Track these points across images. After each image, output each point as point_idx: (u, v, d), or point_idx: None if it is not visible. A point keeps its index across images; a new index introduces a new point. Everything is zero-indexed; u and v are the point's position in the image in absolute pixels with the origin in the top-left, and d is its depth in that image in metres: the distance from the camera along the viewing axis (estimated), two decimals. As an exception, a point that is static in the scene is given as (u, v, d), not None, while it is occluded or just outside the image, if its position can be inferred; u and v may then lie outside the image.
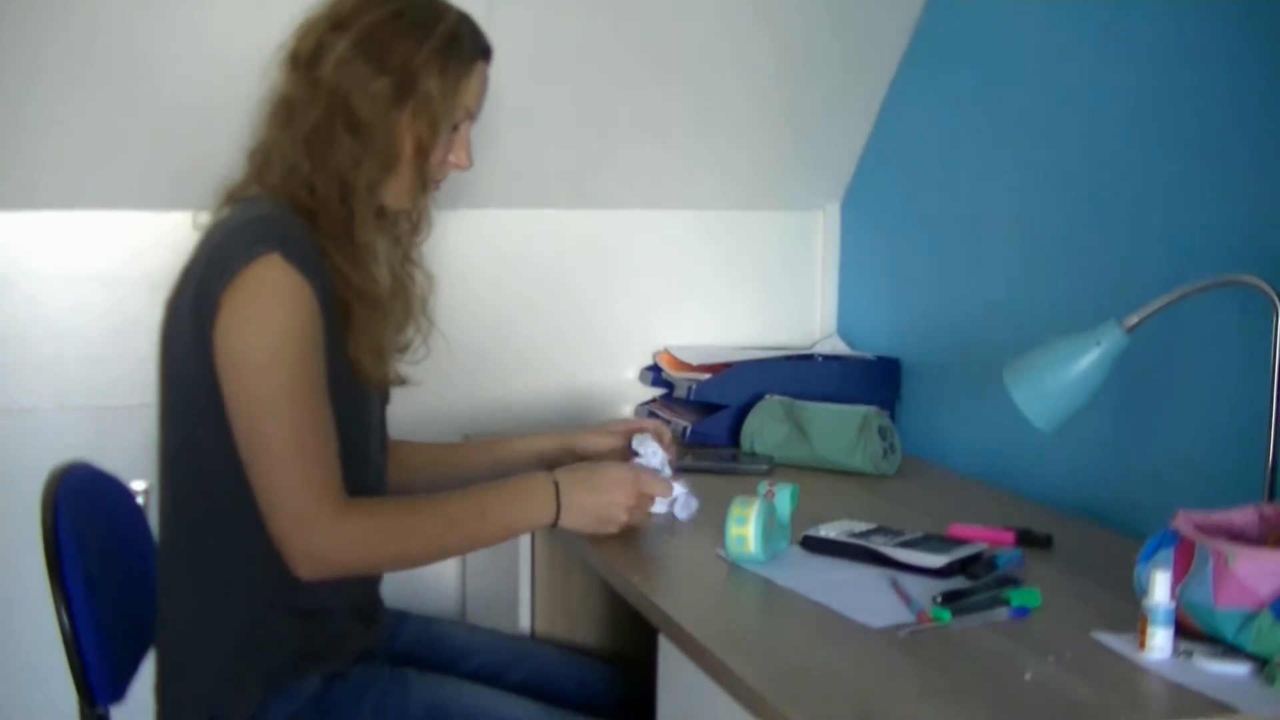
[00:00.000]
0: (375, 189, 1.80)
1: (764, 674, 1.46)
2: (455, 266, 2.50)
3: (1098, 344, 1.83)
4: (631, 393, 2.82)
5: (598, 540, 1.90)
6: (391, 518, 1.76)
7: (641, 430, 2.08)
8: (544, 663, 2.09)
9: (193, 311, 1.71)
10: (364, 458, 1.85)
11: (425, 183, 1.84)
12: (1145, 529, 1.75)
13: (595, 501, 1.86)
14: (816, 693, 1.41)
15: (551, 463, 2.00)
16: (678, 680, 1.65)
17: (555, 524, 1.85)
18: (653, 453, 2.01)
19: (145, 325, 1.84)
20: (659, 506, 1.94)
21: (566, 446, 2.09)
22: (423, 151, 1.81)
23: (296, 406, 1.68)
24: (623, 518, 1.88)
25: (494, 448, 2.12)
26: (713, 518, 1.95)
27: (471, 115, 1.86)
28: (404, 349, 1.91)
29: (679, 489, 1.95)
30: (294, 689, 1.78)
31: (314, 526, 1.69)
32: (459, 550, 1.85)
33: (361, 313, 1.78)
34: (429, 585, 2.70)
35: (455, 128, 1.84)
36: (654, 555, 1.91)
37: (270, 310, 1.67)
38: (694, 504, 1.96)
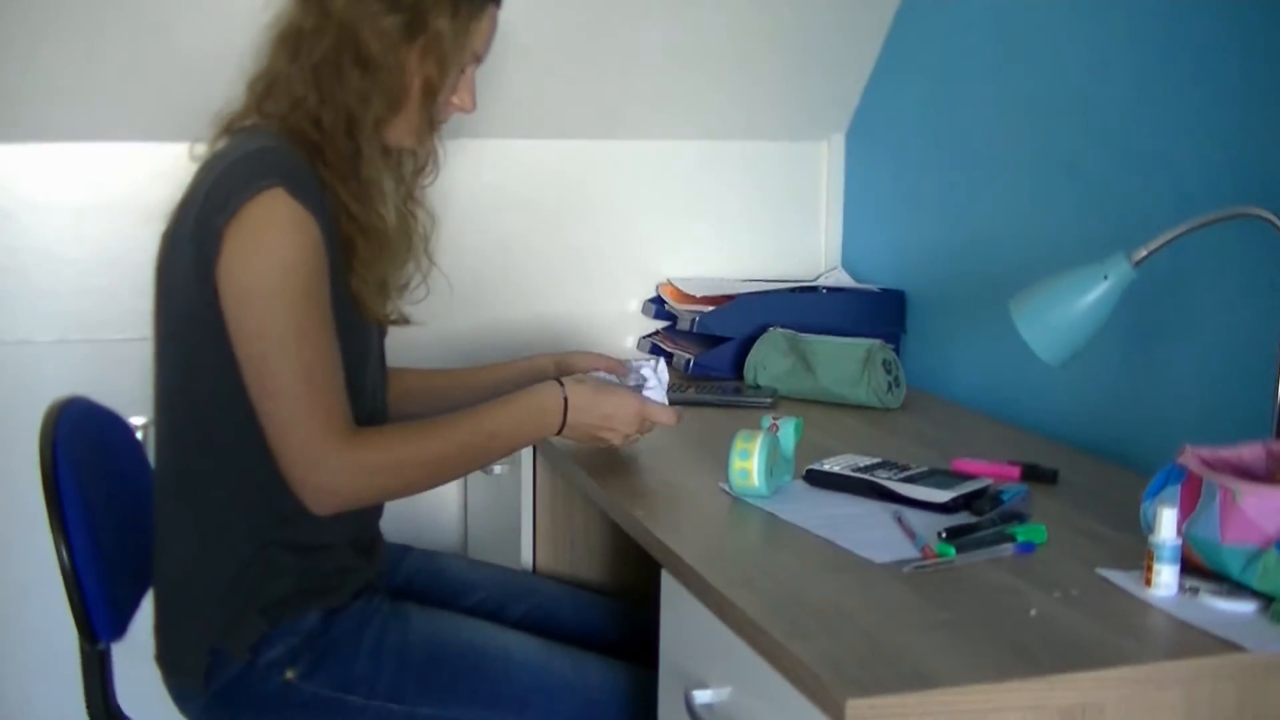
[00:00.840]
0: (381, 126, 1.79)
1: (767, 608, 1.45)
2: (455, 197, 2.48)
3: (1105, 277, 1.81)
4: (634, 325, 2.82)
5: (595, 472, 1.91)
6: (401, 445, 1.76)
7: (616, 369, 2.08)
8: (545, 598, 2.09)
9: (193, 245, 1.70)
10: (363, 390, 1.84)
11: (431, 123, 1.84)
12: (1152, 464, 1.74)
13: (595, 423, 1.87)
14: (820, 627, 1.41)
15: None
16: (680, 615, 1.65)
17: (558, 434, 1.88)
18: (654, 385, 2.01)
19: (145, 258, 1.82)
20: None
21: (561, 365, 2.10)
22: (430, 92, 1.80)
23: (305, 340, 1.68)
24: (615, 441, 1.90)
25: (489, 373, 2.12)
26: (716, 451, 1.96)
27: (479, 58, 1.85)
28: (404, 287, 1.91)
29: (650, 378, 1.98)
30: (293, 624, 1.78)
31: (324, 460, 1.69)
32: (470, 471, 1.86)
33: (366, 249, 1.77)
34: (431, 520, 2.70)
35: (462, 70, 1.83)
36: (656, 489, 1.91)
37: (276, 244, 1.66)
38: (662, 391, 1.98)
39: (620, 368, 2.07)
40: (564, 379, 1.89)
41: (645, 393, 1.99)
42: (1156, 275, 1.93)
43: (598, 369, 2.08)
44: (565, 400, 1.85)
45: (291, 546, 1.78)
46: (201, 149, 1.82)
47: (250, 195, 1.66)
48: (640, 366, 2.05)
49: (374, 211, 1.78)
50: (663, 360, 2.07)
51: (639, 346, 2.79)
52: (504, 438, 1.83)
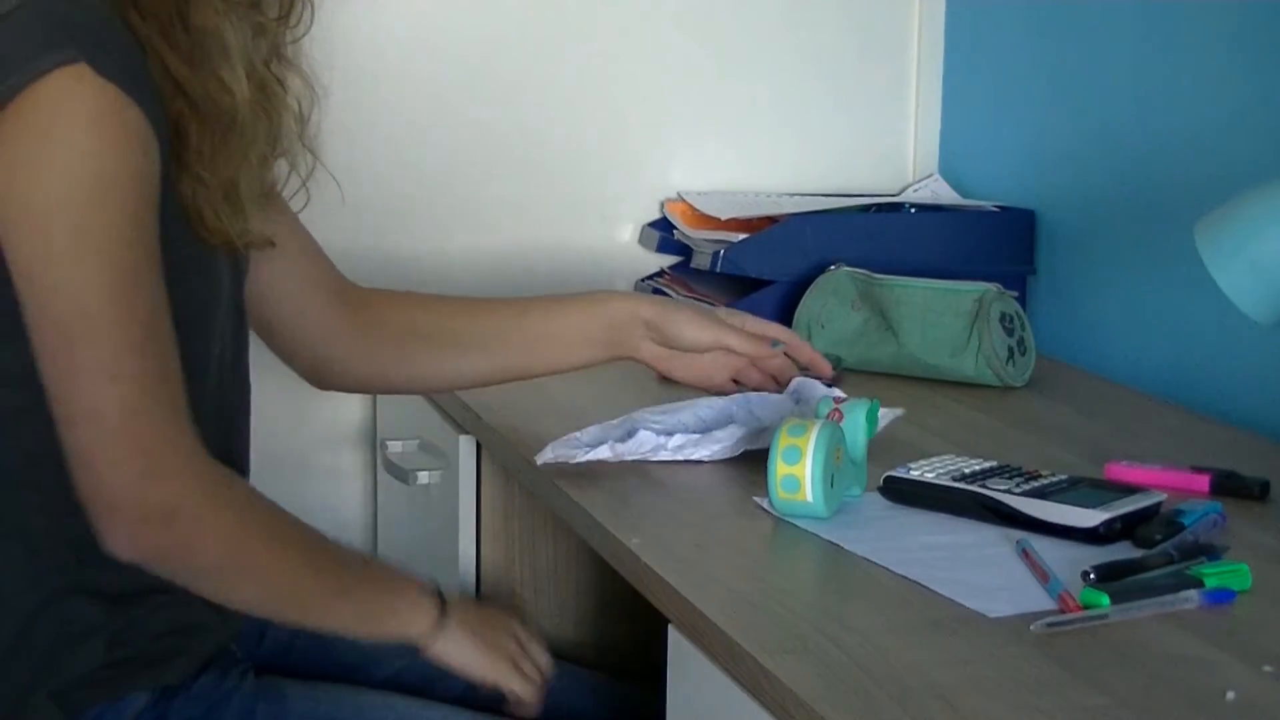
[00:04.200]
0: None
1: (827, 685, 1.45)
2: (351, 60, 2.46)
3: (1345, 190, 1.81)
4: (627, 262, 2.84)
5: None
6: (261, 504, 1.76)
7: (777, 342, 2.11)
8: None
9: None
10: (205, 367, 1.83)
11: None
12: None
13: (482, 632, 1.88)
14: (907, 713, 1.41)
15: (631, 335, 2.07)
16: (696, 693, 1.65)
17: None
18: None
19: None
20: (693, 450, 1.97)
21: (657, 324, 2.09)
22: None
23: (132, 288, 1.67)
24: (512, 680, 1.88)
25: (542, 317, 2.12)
26: (749, 450, 1.97)
27: None
28: (268, 194, 1.90)
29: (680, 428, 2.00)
30: (106, 711, 1.77)
31: (162, 464, 1.67)
32: (294, 614, 1.84)
33: (202, 137, 1.76)
34: None
35: None
36: (660, 506, 1.92)
37: (83, 146, 1.66)
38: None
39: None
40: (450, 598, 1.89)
41: None
42: None
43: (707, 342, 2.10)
44: (440, 596, 1.86)
45: (101, 595, 1.77)
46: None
47: (36, 73, 1.65)
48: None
49: (213, 78, 1.76)
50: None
51: (636, 290, 2.77)
52: (350, 602, 1.82)
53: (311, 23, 1.90)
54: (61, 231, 1.65)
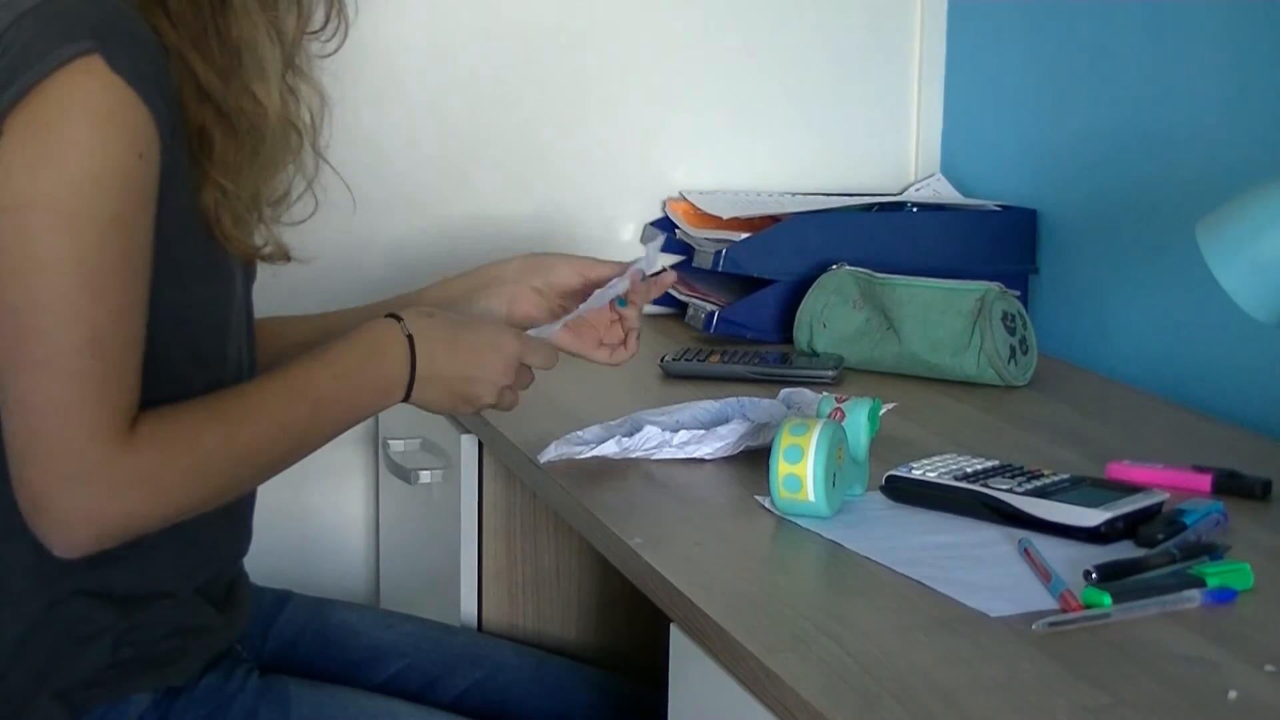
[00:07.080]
0: None
1: (828, 684, 1.45)
2: (355, 63, 2.46)
3: (1348, 188, 1.81)
4: (629, 259, 2.79)
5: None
6: (196, 438, 1.73)
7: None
8: (497, 668, 2.11)
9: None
10: (223, 365, 1.83)
11: None
12: None
13: (457, 370, 1.86)
14: (909, 713, 1.41)
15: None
16: (698, 693, 1.65)
17: (406, 399, 1.87)
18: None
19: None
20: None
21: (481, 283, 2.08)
22: None
23: (98, 292, 1.66)
24: (488, 399, 1.89)
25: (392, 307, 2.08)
26: (751, 449, 1.97)
27: None
28: (280, 201, 1.89)
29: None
30: (110, 712, 1.77)
31: (91, 474, 1.65)
32: (290, 462, 1.83)
33: (230, 148, 1.76)
34: (321, 551, 2.73)
35: None
36: (663, 505, 1.92)
37: (82, 141, 1.65)
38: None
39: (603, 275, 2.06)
40: (406, 312, 1.87)
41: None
42: None
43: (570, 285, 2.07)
44: (410, 341, 1.83)
45: (105, 597, 1.77)
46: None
47: (49, 68, 1.64)
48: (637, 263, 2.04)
49: (246, 93, 1.76)
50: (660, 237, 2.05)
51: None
52: (331, 404, 1.81)
53: (345, 36, 1.90)
54: (36, 221, 1.64)
